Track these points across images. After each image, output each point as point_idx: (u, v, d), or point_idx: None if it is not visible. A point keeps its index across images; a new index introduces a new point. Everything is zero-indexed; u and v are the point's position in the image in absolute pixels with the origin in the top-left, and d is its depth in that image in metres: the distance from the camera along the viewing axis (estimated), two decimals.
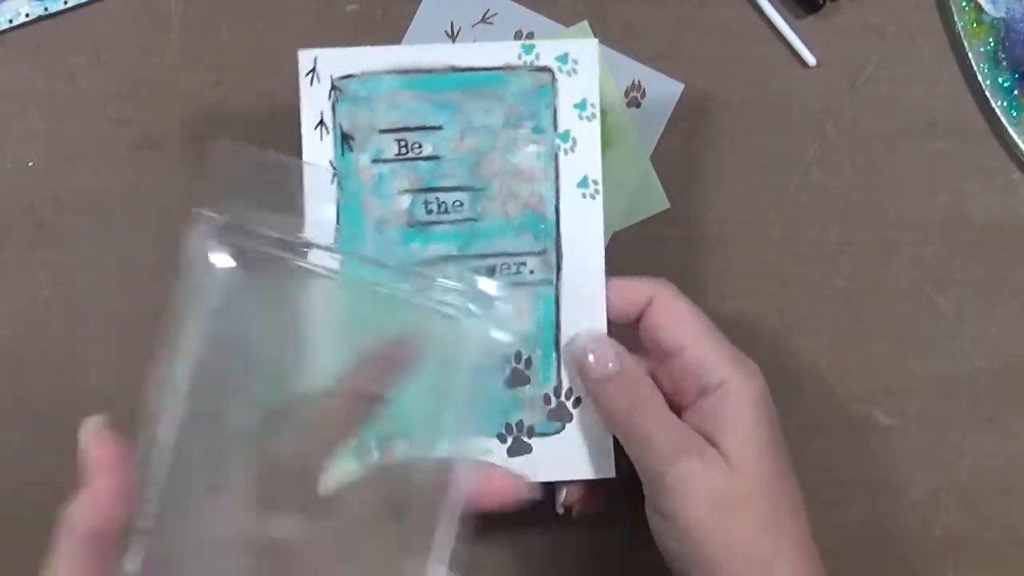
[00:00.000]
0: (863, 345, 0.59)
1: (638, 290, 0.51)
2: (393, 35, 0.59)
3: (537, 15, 0.59)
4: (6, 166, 0.59)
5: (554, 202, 0.52)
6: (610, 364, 0.50)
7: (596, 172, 0.52)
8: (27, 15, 0.58)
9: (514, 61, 0.52)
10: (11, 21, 0.58)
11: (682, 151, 0.59)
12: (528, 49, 0.52)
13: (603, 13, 0.59)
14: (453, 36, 0.59)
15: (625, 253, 0.56)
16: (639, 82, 0.59)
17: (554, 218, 0.52)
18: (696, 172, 0.59)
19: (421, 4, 0.59)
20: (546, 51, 0.52)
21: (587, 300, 0.52)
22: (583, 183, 0.52)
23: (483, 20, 0.59)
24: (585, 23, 0.59)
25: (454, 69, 0.52)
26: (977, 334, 0.59)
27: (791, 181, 0.59)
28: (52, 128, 0.59)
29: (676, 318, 0.50)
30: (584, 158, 0.52)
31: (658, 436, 0.49)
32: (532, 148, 0.52)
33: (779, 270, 0.59)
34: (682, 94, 0.59)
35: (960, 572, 0.59)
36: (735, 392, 0.49)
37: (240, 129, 0.58)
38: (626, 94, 0.59)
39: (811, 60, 0.59)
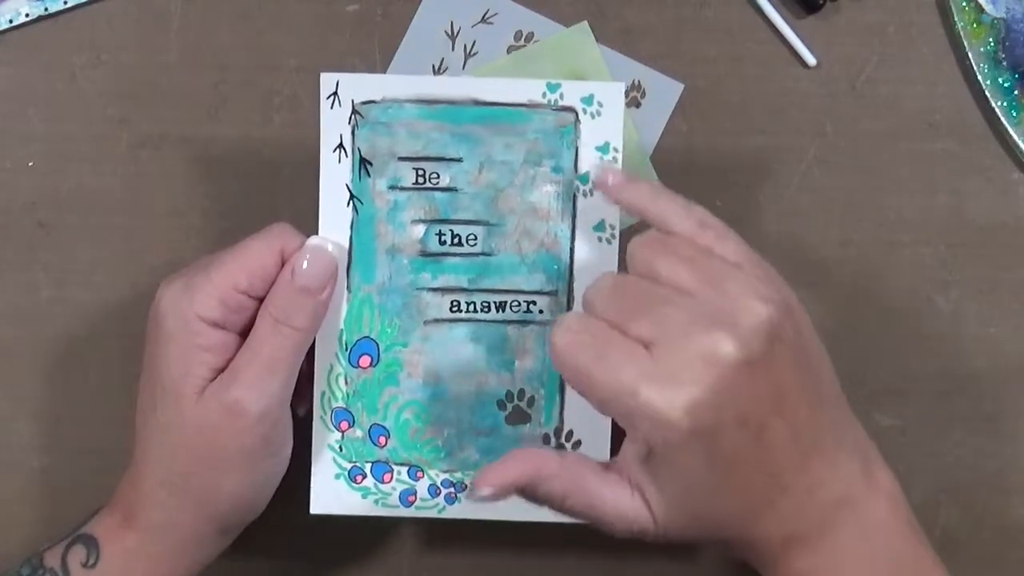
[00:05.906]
0: (863, 345, 0.59)
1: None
2: (393, 35, 0.59)
3: (537, 15, 0.59)
4: (6, 166, 0.59)
5: (569, 243, 0.52)
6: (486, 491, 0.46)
7: (614, 217, 0.52)
8: (27, 15, 0.58)
9: (538, 99, 0.51)
10: (11, 21, 0.58)
11: (682, 151, 0.59)
12: (553, 88, 0.51)
13: (603, 13, 0.59)
14: (453, 36, 0.59)
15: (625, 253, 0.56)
16: (639, 82, 0.59)
17: (568, 259, 0.52)
18: (696, 172, 0.59)
19: (421, 4, 0.59)
20: (571, 91, 0.51)
21: None
22: (600, 227, 0.52)
23: (483, 20, 0.59)
24: (585, 23, 0.59)
25: (477, 102, 0.51)
26: (977, 334, 0.59)
27: (791, 181, 0.59)
28: (52, 128, 0.59)
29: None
30: (603, 202, 0.51)
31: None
32: (550, 187, 0.52)
33: (779, 270, 0.59)
34: (682, 94, 0.59)
35: (960, 572, 0.58)
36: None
37: (240, 129, 0.58)
38: (626, 94, 0.59)
39: (811, 60, 0.59)
